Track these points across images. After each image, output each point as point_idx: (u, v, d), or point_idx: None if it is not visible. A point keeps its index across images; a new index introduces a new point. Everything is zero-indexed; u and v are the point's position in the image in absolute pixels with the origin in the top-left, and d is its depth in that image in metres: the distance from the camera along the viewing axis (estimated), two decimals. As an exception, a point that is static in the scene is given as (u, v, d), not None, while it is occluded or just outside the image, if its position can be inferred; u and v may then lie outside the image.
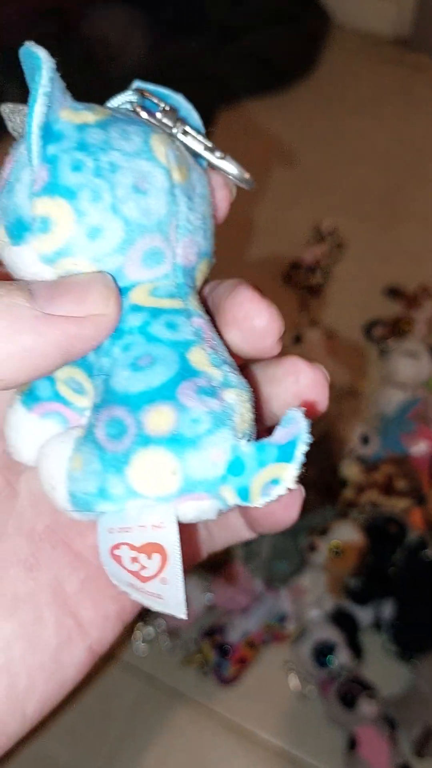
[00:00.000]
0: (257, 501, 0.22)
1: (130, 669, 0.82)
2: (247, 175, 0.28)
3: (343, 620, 0.81)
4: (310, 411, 0.27)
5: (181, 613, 0.23)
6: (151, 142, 0.24)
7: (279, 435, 0.22)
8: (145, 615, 0.84)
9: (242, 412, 0.24)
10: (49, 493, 0.24)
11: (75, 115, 0.24)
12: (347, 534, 0.83)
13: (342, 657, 0.78)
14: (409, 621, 0.80)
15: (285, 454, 0.22)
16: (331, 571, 0.82)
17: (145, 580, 0.23)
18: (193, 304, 0.25)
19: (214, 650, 0.80)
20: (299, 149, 1.39)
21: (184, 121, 0.27)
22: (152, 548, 0.23)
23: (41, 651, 0.26)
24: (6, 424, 0.26)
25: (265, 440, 0.22)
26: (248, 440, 0.23)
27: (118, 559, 0.23)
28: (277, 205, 1.29)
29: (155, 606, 0.24)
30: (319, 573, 0.83)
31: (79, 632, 0.27)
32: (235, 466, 0.22)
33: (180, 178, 0.25)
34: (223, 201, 0.28)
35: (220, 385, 0.23)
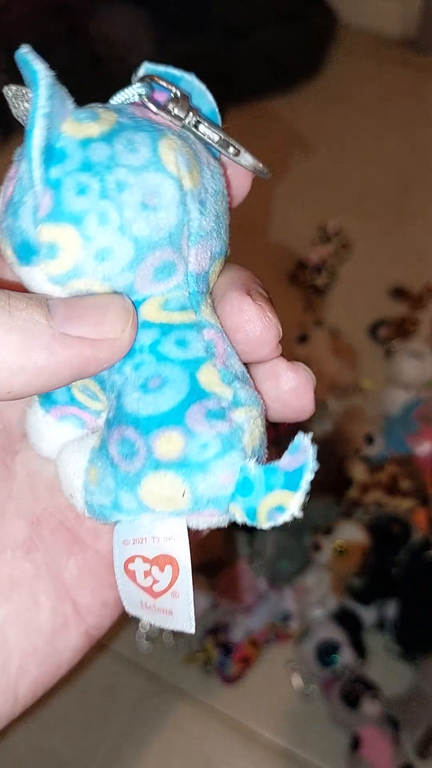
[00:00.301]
0: (263, 524, 0.22)
1: (133, 666, 0.82)
2: (261, 166, 0.27)
3: (346, 620, 0.81)
4: (294, 416, 0.27)
5: (190, 627, 0.24)
6: (159, 150, 0.23)
7: (286, 461, 0.22)
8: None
9: (252, 429, 0.24)
10: (68, 499, 0.25)
11: (78, 129, 0.23)
12: (351, 534, 0.83)
13: (345, 657, 0.78)
14: (413, 621, 0.80)
15: (291, 482, 0.22)
16: (335, 570, 0.82)
17: (156, 595, 0.24)
18: (206, 312, 0.25)
19: (217, 649, 0.80)
20: (305, 149, 1.39)
21: (197, 109, 0.26)
22: (165, 560, 0.24)
23: (36, 635, 0.26)
24: (27, 422, 0.27)
25: (274, 464, 0.22)
26: (258, 459, 0.24)
27: (132, 575, 0.24)
28: (283, 205, 1.29)
29: (165, 623, 0.24)
30: (322, 572, 0.83)
31: (75, 618, 0.27)
32: (244, 487, 0.23)
33: (191, 184, 0.24)
34: (240, 189, 0.27)
35: (229, 405, 0.23)
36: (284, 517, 0.22)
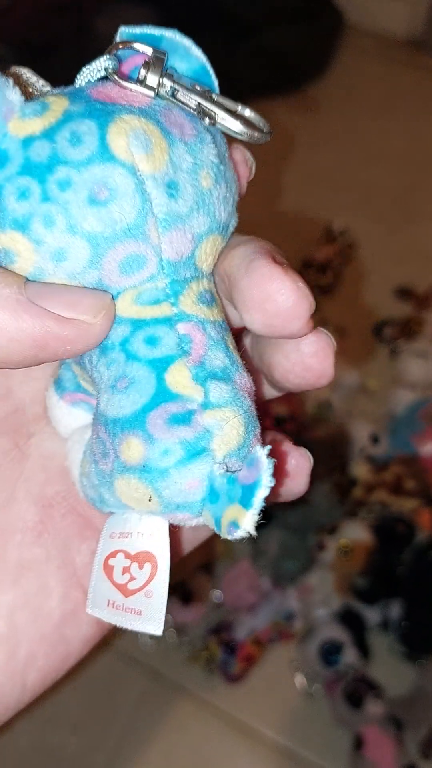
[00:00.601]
0: (224, 536, 0.22)
1: (137, 664, 0.82)
2: (253, 131, 0.24)
3: (350, 620, 0.81)
4: (315, 380, 0.26)
5: (158, 629, 0.23)
6: (108, 138, 0.22)
7: (244, 474, 0.21)
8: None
9: (226, 433, 0.22)
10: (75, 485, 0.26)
11: (21, 126, 0.22)
12: (356, 533, 0.83)
13: (349, 656, 0.78)
14: (417, 621, 0.80)
15: (245, 497, 0.21)
16: (339, 570, 0.82)
17: (129, 593, 0.23)
18: (187, 302, 0.24)
19: (220, 647, 0.80)
20: (311, 149, 1.39)
21: (171, 74, 0.24)
22: (145, 557, 0.23)
23: (44, 622, 0.26)
24: (46, 405, 0.27)
25: (236, 474, 0.22)
26: (235, 461, 0.23)
27: (109, 570, 0.24)
28: (289, 204, 1.29)
29: (131, 623, 0.23)
30: (326, 572, 0.83)
31: (85, 605, 0.26)
32: (212, 494, 0.22)
33: (151, 168, 0.22)
34: (241, 179, 0.26)
35: (198, 407, 0.22)
36: (239, 533, 0.21)
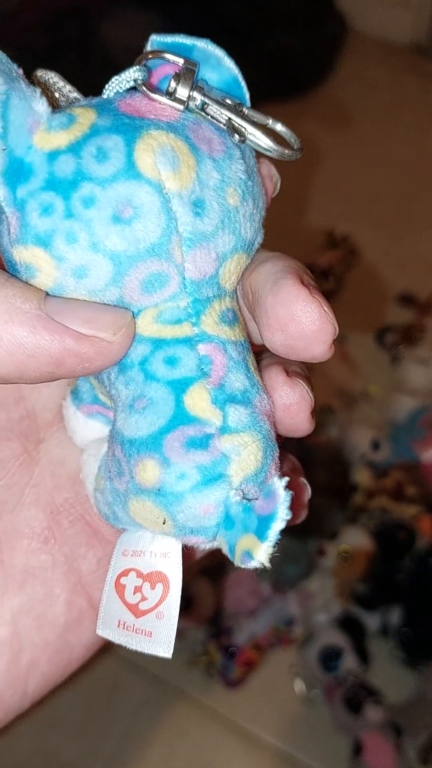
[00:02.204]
0: (238, 564, 0.21)
1: (136, 668, 0.82)
2: (283, 149, 0.24)
3: (350, 625, 0.81)
4: (287, 432, 0.25)
5: (167, 652, 0.23)
6: (135, 154, 0.21)
7: (260, 505, 0.21)
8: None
9: (243, 458, 0.22)
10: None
11: (47, 139, 0.21)
12: (356, 539, 0.83)
13: (348, 662, 0.78)
14: (417, 628, 0.80)
15: (260, 529, 0.20)
16: (340, 576, 0.82)
17: (140, 614, 0.23)
18: (209, 322, 0.23)
19: (220, 652, 0.80)
20: (314, 155, 1.39)
21: (202, 87, 0.23)
22: (158, 578, 0.23)
23: (48, 629, 0.25)
24: (63, 414, 0.27)
25: (252, 504, 0.21)
26: (246, 490, 0.22)
27: (121, 589, 0.23)
28: (291, 211, 1.29)
29: (141, 645, 0.23)
30: (327, 578, 0.83)
31: (90, 613, 0.26)
32: (227, 520, 0.22)
33: (177, 185, 0.22)
34: (266, 195, 0.26)
35: (217, 431, 0.22)
36: (252, 564, 0.20)
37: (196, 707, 0.80)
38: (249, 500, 0.21)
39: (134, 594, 0.23)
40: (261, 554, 0.20)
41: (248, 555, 0.21)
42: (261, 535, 0.20)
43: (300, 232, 1.25)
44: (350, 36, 1.62)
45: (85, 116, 0.22)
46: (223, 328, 0.23)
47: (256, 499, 0.21)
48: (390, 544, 0.83)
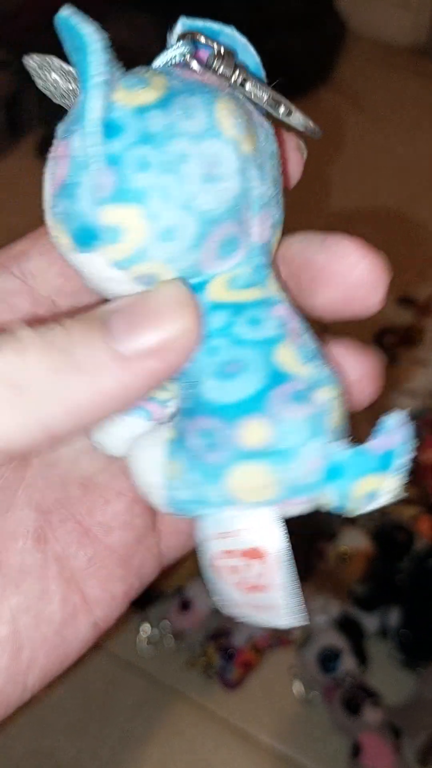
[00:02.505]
0: (357, 509, 0.22)
1: (134, 669, 0.82)
2: (312, 124, 0.25)
3: (348, 627, 0.81)
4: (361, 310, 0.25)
5: (291, 622, 0.23)
6: (216, 115, 0.21)
7: (377, 443, 0.22)
8: (149, 615, 0.84)
9: (334, 409, 0.23)
10: (145, 495, 0.24)
11: (131, 96, 0.21)
12: (355, 540, 0.83)
13: (347, 664, 0.78)
14: (416, 629, 0.79)
15: (384, 464, 0.22)
16: (338, 577, 0.82)
17: (251, 590, 0.23)
18: (273, 286, 0.24)
19: (218, 653, 0.80)
20: (314, 155, 1.39)
21: (244, 67, 0.24)
22: (255, 554, 0.23)
23: (46, 625, 0.26)
24: None
25: (364, 447, 0.22)
26: (343, 439, 0.23)
27: (222, 571, 0.23)
28: (290, 211, 1.29)
29: (264, 620, 0.24)
30: (325, 579, 0.83)
31: (84, 609, 0.26)
32: (334, 471, 0.22)
33: (249, 149, 0.22)
34: (296, 165, 0.26)
35: (311, 386, 0.22)
36: (380, 502, 0.22)
37: (194, 708, 0.80)
38: (357, 445, 0.22)
39: (237, 574, 0.23)
40: (392, 487, 0.22)
41: (373, 495, 0.22)
42: (388, 468, 0.22)
43: (297, 233, 1.25)
44: (350, 37, 1.62)
45: (157, 79, 0.22)
46: (283, 293, 0.24)
47: (372, 440, 0.22)
48: (389, 546, 0.83)
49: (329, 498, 0.23)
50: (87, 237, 0.21)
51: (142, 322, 0.20)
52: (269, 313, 0.23)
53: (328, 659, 0.78)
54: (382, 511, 0.87)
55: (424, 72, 1.60)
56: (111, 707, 0.80)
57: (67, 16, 0.21)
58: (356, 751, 0.73)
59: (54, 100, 0.23)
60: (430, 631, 0.80)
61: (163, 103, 0.21)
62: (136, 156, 0.20)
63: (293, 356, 0.22)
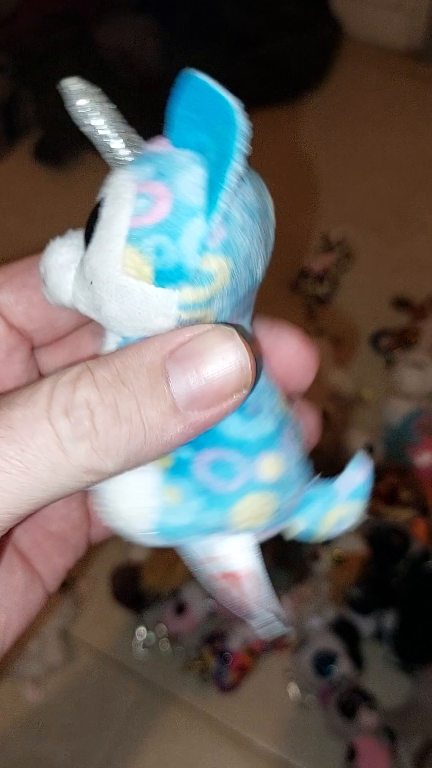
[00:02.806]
0: (326, 534, 0.26)
1: (130, 673, 0.82)
2: None
3: (344, 630, 0.81)
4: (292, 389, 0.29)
5: (264, 632, 0.27)
6: (268, 196, 0.24)
7: (348, 477, 0.27)
8: (145, 619, 0.84)
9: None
10: (120, 520, 0.25)
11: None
12: (350, 543, 0.83)
13: (342, 667, 0.78)
14: (411, 632, 0.79)
15: (356, 494, 0.26)
16: (333, 580, 0.82)
17: (237, 605, 0.27)
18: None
19: (214, 657, 0.80)
20: (310, 159, 1.40)
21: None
22: (233, 576, 0.26)
23: (15, 592, 0.29)
24: None
25: (335, 482, 0.27)
26: (311, 473, 0.27)
27: (215, 589, 0.27)
28: (286, 214, 1.29)
29: (258, 626, 0.27)
30: (321, 582, 0.83)
31: (37, 578, 0.30)
32: (307, 502, 0.26)
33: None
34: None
35: (298, 426, 0.27)
36: (349, 525, 0.26)
37: (190, 712, 0.80)
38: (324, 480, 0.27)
39: (224, 593, 0.27)
40: (357, 515, 0.26)
41: (342, 522, 0.26)
42: (357, 498, 0.26)
43: (295, 236, 1.25)
44: (345, 40, 1.62)
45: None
46: None
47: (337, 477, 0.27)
48: (384, 549, 0.83)
49: (299, 526, 0.27)
50: (176, 275, 0.22)
51: (207, 394, 0.22)
52: (265, 365, 0.27)
53: (324, 662, 0.78)
54: (377, 515, 0.87)
55: (419, 74, 1.60)
56: (106, 711, 0.80)
57: (204, 80, 0.21)
58: (351, 754, 0.73)
59: (79, 124, 0.23)
60: (425, 634, 0.80)
61: (245, 180, 0.23)
62: (241, 217, 0.22)
63: (283, 401, 0.26)
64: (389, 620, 0.81)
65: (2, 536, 0.23)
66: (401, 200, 1.34)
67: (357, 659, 0.80)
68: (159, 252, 0.22)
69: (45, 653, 0.79)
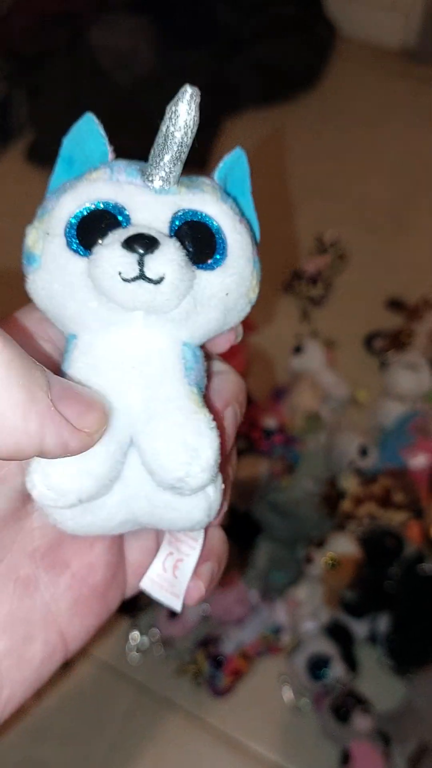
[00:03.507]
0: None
1: (124, 678, 0.81)
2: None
3: (338, 633, 0.81)
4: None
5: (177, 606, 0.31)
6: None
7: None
8: (138, 623, 0.83)
9: None
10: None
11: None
12: (344, 546, 0.82)
13: (337, 670, 0.78)
14: (405, 635, 0.79)
15: None
16: (328, 583, 0.82)
17: (172, 577, 0.31)
18: None
19: (208, 661, 0.79)
20: (304, 159, 1.39)
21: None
22: (180, 558, 0.31)
23: (26, 666, 0.27)
24: None
25: None
26: None
27: (164, 563, 0.31)
28: (280, 215, 1.29)
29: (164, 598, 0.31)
30: (315, 585, 0.83)
31: (62, 647, 0.28)
32: None
33: None
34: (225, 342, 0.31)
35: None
36: None
37: (184, 716, 0.79)
38: None
39: (168, 566, 0.30)
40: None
41: None
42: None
43: (289, 237, 1.25)
44: (340, 40, 1.62)
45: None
46: None
47: None
48: (378, 551, 0.83)
49: None
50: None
51: (73, 399, 0.22)
52: None
53: (318, 666, 0.78)
54: (371, 517, 0.87)
55: (413, 75, 1.60)
56: (101, 715, 0.79)
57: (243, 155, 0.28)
58: (346, 758, 0.73)
59: (177, 133, 0.25)
60: (419, 637, 0.79)
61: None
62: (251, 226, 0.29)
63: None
64: (383, 623, 0.81)
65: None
66: (395, 201, 1.34)
67: (351, 663, 0.79)
68: (240, 273, 0.28)
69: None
